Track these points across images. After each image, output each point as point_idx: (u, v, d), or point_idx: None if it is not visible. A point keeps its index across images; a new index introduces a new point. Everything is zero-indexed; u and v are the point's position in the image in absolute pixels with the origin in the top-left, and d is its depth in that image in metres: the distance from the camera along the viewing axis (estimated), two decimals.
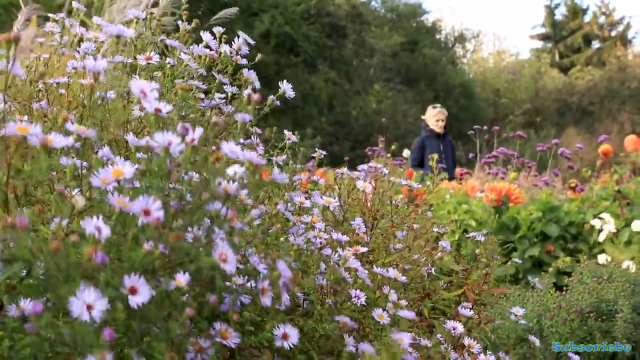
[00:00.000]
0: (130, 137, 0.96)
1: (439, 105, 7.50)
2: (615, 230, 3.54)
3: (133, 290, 0.80)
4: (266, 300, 0.95)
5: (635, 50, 31.03)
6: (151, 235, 0.82)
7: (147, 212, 0.83)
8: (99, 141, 1.02)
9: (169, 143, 0.89)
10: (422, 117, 7.64)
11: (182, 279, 0.85)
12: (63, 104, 1.30)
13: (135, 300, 0.79)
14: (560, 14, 32.74)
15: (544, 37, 33.07)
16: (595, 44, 31.31)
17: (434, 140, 7.27)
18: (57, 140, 0.91)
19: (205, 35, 1.46)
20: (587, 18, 31.67)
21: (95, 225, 0.79)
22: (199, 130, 0.92)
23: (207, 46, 1.46)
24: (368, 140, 17.53)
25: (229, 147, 0.93)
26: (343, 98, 19.83)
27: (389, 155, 6.84)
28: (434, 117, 7.33)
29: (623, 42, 30.25)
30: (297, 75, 18.28)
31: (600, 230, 3.60)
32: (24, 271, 0.85)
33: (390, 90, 20.85)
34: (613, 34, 30.93)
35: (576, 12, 31.77)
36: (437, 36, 26.81)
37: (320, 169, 2.46)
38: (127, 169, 0.88)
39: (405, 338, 1.09)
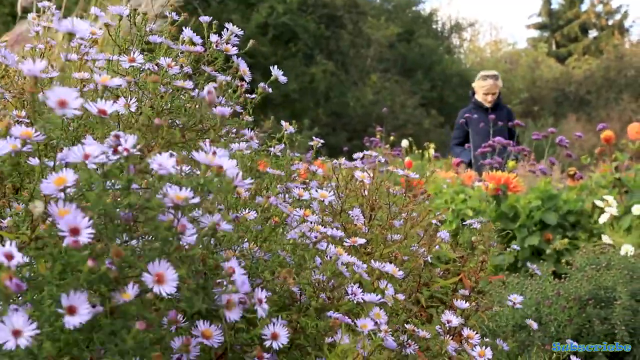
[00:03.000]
0: (89, 140, 0.87)
1: (491, 73, 6.14)
2: (617, 214, 3.55)
3: (72, 310, 0.74)
4: (231, 315, 0.89)
5: (632, 38, 31.04)
6: (75, 260, 0.76)
7: (75, 231, 0.75)
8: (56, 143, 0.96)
9: (85, 156, 0.81)
10: (473, 84, 6.25)
11: (130, 291, 0.79)
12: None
13: (72, 321, 0.73)
14: (556, 2, 32.71)
15: (541, 27, 33.00)
16: (592, 33, 31.25)
17: (481, 113, 5.90)
18: None
19: (187, 32, 1.39)
20: (584, 7, 31.61)
21: (4, 252, 0.72)
22: (132, 139, 0.83)
23: (192, 42, 1.38)
24: (365, 131, 17.49)
25: (158, 162, 0.84)
26: (340, 89, 19.80)
27: (387, 145, 6.69)
28: (482, 89, 5.96)
29: (620, 31, 30.20)
30: (295, 67, 18.23)
31: (602, 212, 3.61)
32: None
33: (387, 80, 20.81)
34: (610, 22, 30.87)
35: (573, 0, 31.69)
36: (434, 26, 26.73)
37: (319, 160, 2.46)
38: (70, 176, 0.80)
39: (368, 324, 1.07)
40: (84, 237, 0.75)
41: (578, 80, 26.08)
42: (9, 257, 0.72)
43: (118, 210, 0.82)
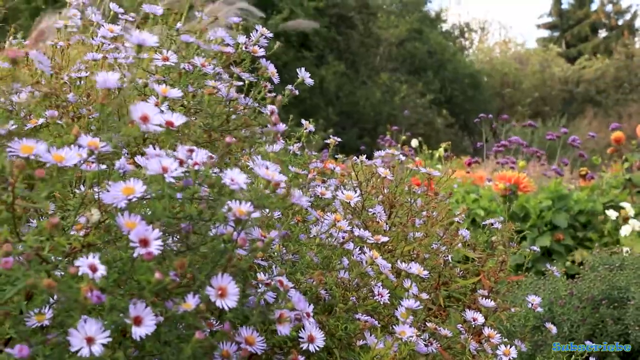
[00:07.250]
0: (150, 150, 0.89)
1: None
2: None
3: (137, 321, 0.76)
4: (283, 329, 0.90)
5: None
6: (145, 270, 0.77)
7: (145, 242, 0.77)
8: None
9: (163, 169, 0.82)
10: None
11: (192, 302, 0.80)
12: (84, 99, 1.28)
13: (139, 332, 0.75)
14: (567, 2, 32.51)
15: (551, 26, 32.86)
16: (602, 33, 31.08)
17: None
18: (69, 157, 0.83)
19: (220, 31, 1.37)
20: (594, 6, 31.46)
21: (89, 264, 0.74)
22: (203, 153, 0.85)
23: (223, 42, 1.37)
24: (375, 130, 17.50)
25: (230, 176, 0.85)
26: (349, 88, 19.75)
27: (399, 144, 6.69)
28: None
29: (630, 31, 30.02)
30: (306, 68, 18.16)
31: (616, 223, 3.59)
32: None
33: (397, 80, 20.76)
34: (620, 22, 30.71)
35: (583, 0, 31.54)
36: (443, 25, 26.65)
37: (331, 160, 2.47)
38: (138, 187, 0.81)
39: (407, 331, 1.09)
40: (154, 248, 0.77)
41: (588, 80, 25.95)
42: (94, 269, 0.74)
43: (180, 221, 0.83)
